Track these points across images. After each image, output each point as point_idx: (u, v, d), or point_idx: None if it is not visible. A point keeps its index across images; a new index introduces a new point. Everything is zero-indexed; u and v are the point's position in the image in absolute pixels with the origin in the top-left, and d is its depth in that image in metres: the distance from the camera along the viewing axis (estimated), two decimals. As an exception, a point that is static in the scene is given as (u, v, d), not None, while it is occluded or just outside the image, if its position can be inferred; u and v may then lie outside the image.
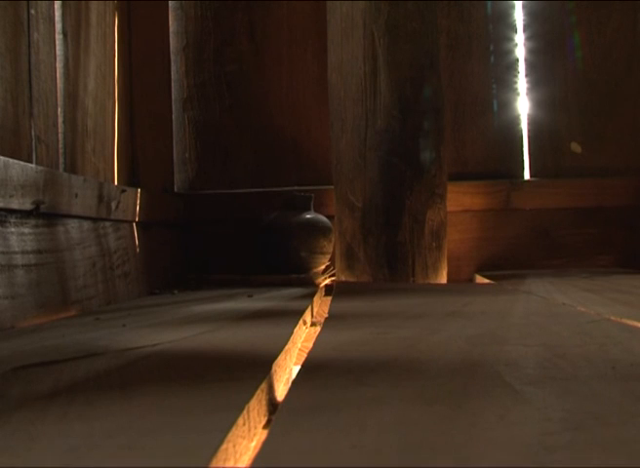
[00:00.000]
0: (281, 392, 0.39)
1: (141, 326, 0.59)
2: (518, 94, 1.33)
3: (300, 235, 1.14)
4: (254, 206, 1.29)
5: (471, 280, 1.27)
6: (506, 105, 1.34)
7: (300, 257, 1.14)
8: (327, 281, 1.15)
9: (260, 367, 0.37)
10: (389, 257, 1.06)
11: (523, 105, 1.33)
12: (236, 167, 1.35)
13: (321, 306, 0.88)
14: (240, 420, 0.27)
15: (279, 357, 0.41)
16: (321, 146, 1.32)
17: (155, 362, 0.41)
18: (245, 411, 0.28)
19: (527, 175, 1.34)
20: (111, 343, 0.48)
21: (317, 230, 1.16)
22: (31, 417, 0.29)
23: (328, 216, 1.19)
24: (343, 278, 1.10)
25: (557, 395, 0.30)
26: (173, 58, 1.33)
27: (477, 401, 0.29)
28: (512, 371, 0.35)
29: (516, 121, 1.33)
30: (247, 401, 0.29)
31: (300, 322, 0.59)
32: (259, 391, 0.32)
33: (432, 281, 1.06)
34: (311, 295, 0.86)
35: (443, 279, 1.08)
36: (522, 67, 1.33)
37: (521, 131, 1.34)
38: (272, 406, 0.35)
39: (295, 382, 0.34)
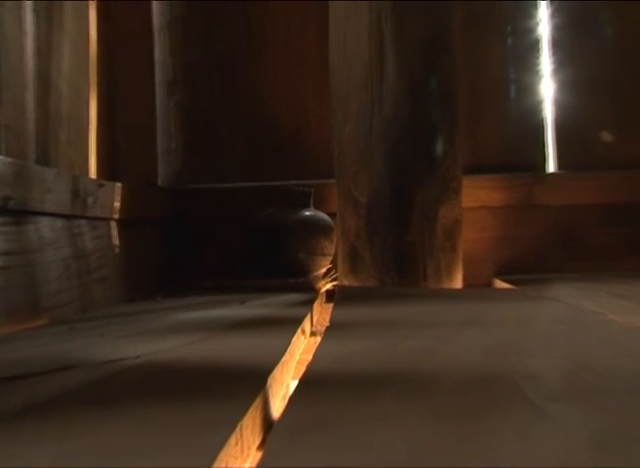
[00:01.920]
0: (277, 408, 0.39)
1: (122, 335, 0.59)
2: (542, 76, 1.33)
3: (298, 234, 1.15)
4: (247, 202, 1.29)
5: (489, 284, 1.27)
6: (528, 89, 1.33)
7: (298, 259, 1.15)
8: (328, 286, 1.15)
9: (255, 380, 0.37)
10: (398, 259, 1.05)
11: (547, 89, 1.32)
12: (228, 158, 1.36)
13: (322, 314, 0.89)
14: (232, 439, 0.27)
15: (275, 370, 0.41)
16: (322, 136, 1.32)
17: (137, 375, 0.41)
18: (238, 430, 0.28)
19: (551, 168, 1.33)
20: (88, 355, 0.48)
21: (317, 229, 1.16)
22: (1, 437, 0.29)
23: (329, 214, 1.19)
24: (347, 282, 1.09)
25: (583, 412, 0.30)
26: (156, 35, 1.32)
27: (495, 418, 0.29)
28: (534, 386, 0.34)
29: (539, 107, 1.32)
30: (240, 418, 0.29)
31: (299, 331, 0.60)
32: (253, 407, 0.32)
33: (446, 285, 1.06)
34: (311, 302, 0.86)
35: (458, 283, 1.08)
36: (545, 47, 1.32)
37: (545, 118, 1.32)
38: (268, 424, 0.35)
39: (292, 398, 0.34)
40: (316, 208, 1.21)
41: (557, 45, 1.33)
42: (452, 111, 1.08)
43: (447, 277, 1.07)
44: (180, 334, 0.58)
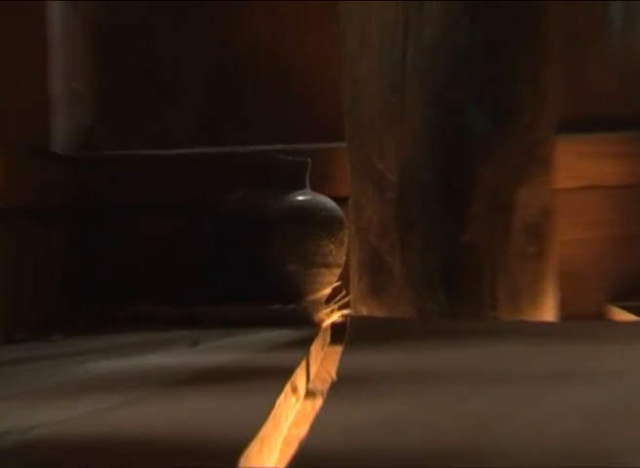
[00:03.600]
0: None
1: (0, 397, 0.60)
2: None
3: (286, 232, 1.16)
4: (204, 179, 1.31)
5: (601, 315, 1.28)
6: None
7: (285, 273, 1.16)
8: (335, 317, 1.15)
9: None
10: (448, 273, 1.06)
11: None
12: (173, 108, 1.37)
13: (324, 362, 0.90)
14: None
15: (249, 448, 0.42)
16: (323, 72, 1.34)
17: (27, 460, 0.41)
18: None
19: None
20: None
21: (317, 224, 1.17)
22: None
23: (336, 199, 1.20)
24: (365, 310, 1.10)
25: None
26: None
27: None
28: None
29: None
30: None
31: (287, 389, 0.60)
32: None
33: (528, 316, 1.06)
34: (306, 343, 0.87)
35: (548, 312, 1.08)
36: None
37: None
38: None
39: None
40: (315, 189, 1.22)
41: None
42: (535, 33, 1.09)
43: (529, 301, 1.07)
44: (93, 396, 0.59)
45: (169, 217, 1.34)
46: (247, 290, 1.18)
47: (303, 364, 0.74)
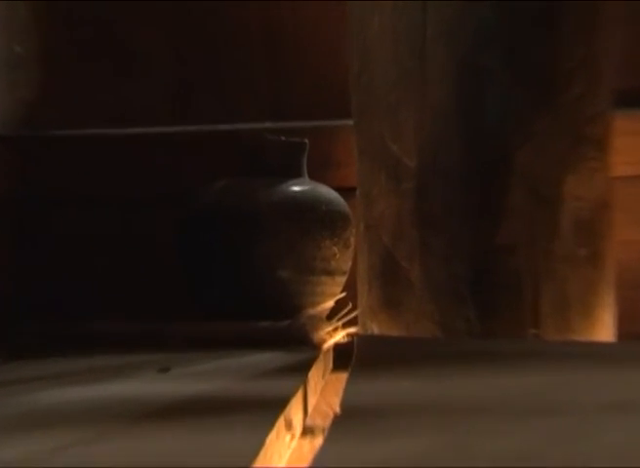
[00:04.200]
0: None
1: None
2: None
3: (277, 230, 1.16)
4: (175, 165, 1.33)
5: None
6: None
7: (277, 283, 1.17)
8: (339, 336, 1.14)
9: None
10: (478, 282, 1.06)
11: None
12: (136, 77, 1.39)
13: (325, 392, 0.90)
14: None
15: None
16: (323, 34, 1.36)
17: None
18: None
19: None
20: None
21: (316, 220, 1.18)
22: None
23: (340, 190, 1.21)
24: (376, 328, 1.10)
25: None
26: None
27: None
28: None
29: None
30: None
31: (279, 424, 0.59)
32: None
33: (578, 334, 1.06)
34: (303, 369, 0.87)
35: (603, 330, 1.08)
36: None
37: None
38: None
39: None
40: (314, 178, 1.23)
41: None
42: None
43: (580, 317, 1.07)
44: (41, 433, 0.58)
45: (130, 213, 1.35)
46: (228, 303, 1.19)
47: (300, 394, 0.73)
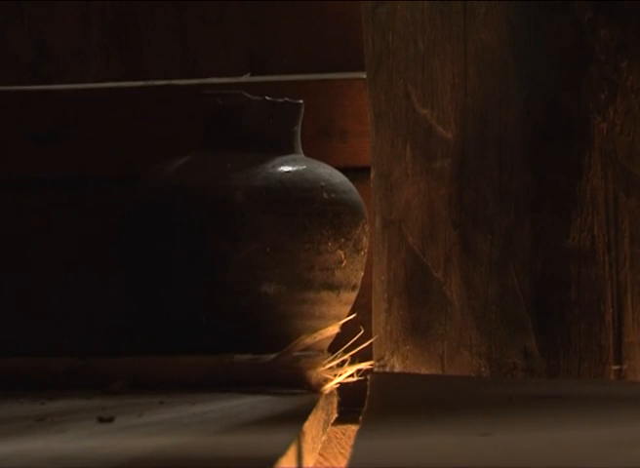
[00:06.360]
0: None
1: None
2: None
3: (258, 229, 1.13)
4: (117, 135, 1.31)
5: None
6: None
7: (259, 300, 1.14)
8: (346, 374, 1.05)
9: None
10: (543, 300, 1.03)
11: None
12: (55, 6, 1.37)
13: (327, 450, 0.92)
14: None
15: None
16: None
17: None
18: None
19: None
20: None
21: (313, 214, 1.14)
22: None
23: (347, 170, 1.19)
24: (397, 363, 1.10)
25: None
26: None
27: None
28: None
29: None
30: None
31: None
32: None
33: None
34: (297, 419, 0.82)
35: None
36: None
37: None
38: None
39: None
40: (311, 153, 1.20)
41: None
42: None
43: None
44: None
45: (53, 203, 1.33)
46: (192, 329, 1.15)
47: (292, 452, 0.65)
